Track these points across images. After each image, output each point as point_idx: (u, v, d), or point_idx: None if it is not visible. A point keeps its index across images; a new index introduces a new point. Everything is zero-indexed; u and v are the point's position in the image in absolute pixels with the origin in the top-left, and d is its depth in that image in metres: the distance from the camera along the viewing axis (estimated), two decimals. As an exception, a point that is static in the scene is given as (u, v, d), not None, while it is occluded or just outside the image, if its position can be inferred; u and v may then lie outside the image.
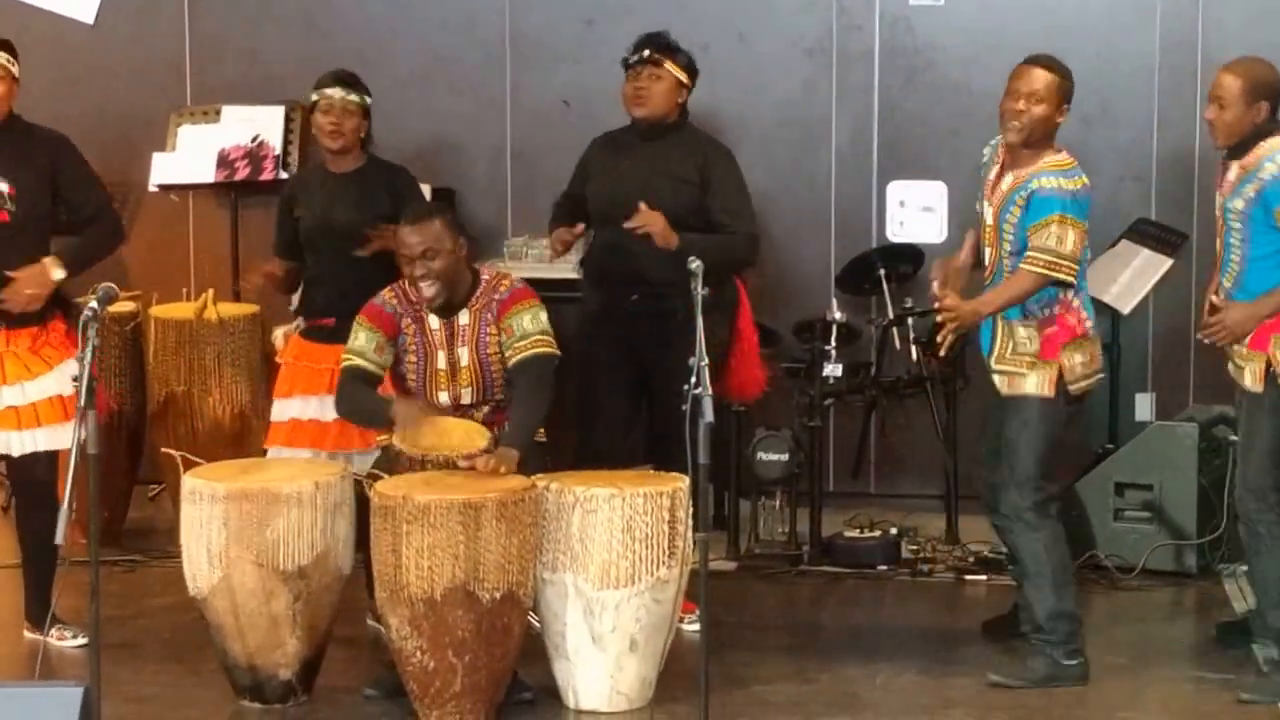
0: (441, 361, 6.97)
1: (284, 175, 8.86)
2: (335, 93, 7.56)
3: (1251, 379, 6.86)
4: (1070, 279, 6.97)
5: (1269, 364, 6.82)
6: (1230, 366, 6.97)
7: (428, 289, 6.87)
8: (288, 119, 9.10)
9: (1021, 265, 6.95)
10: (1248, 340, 6.84)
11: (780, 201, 9.27)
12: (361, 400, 6.92)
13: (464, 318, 6.99)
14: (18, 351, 7.20)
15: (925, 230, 9.08)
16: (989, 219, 7.10)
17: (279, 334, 7.70)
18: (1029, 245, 6.95)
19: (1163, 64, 9.19)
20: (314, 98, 7.58)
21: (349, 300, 7.24)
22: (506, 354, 6.93)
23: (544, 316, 6.98)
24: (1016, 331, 7.07)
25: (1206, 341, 7.03)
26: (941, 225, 9.03)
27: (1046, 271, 6.92)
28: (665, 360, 7.34)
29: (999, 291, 7.01)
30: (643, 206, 7.38)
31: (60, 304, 7.30)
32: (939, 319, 7.02)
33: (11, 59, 7.21)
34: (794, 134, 9.34)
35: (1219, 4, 9.15)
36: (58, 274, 7.18)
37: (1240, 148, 6.88)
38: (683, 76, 7.67)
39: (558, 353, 6.97)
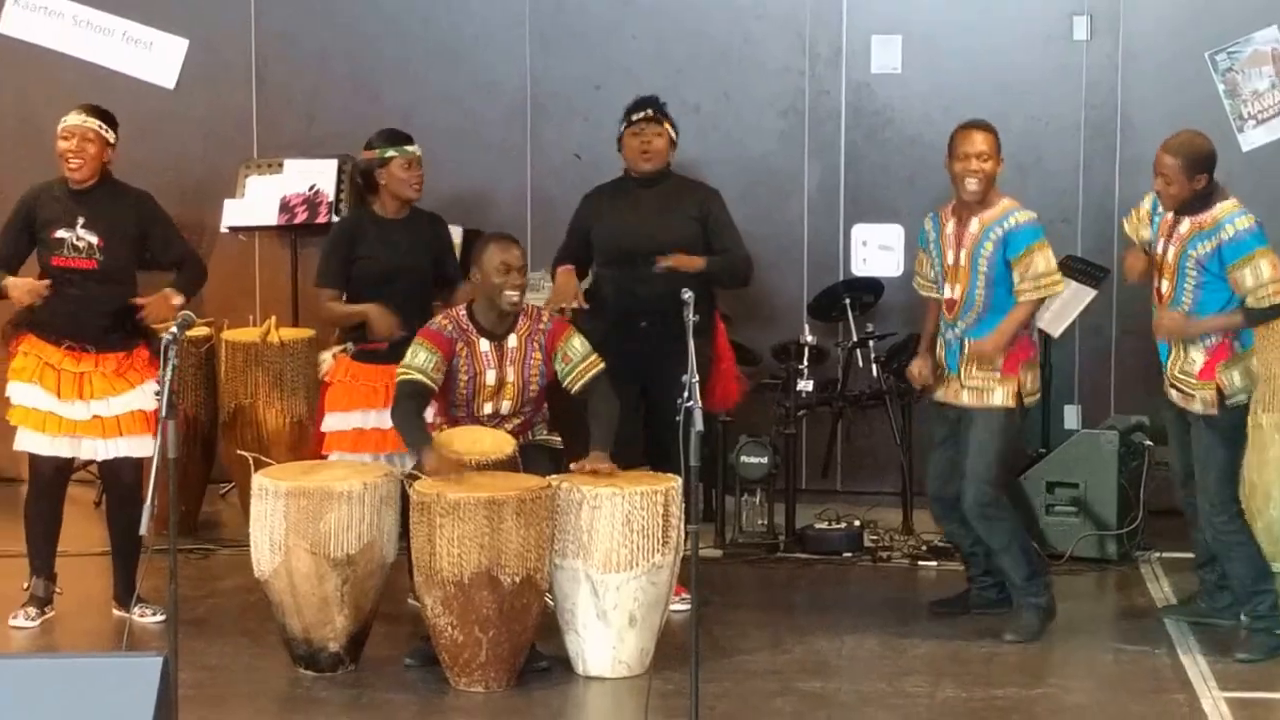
0: (491, 379, 6.98)
1: (335, 219, 8.82)
2: (415, 149, 7.49)
3: (1204, 405, 6.87)
4: (1060, 289, 7.27)
5: (1219, 390, 6.85)
6: (1172, 391, 6.94)
7: (516, 296, 6.94)
8: (340, 171, 9.09)
9: (1019, 299, 7.09)
10: (1197, 371, 6.85)
11: (759, 240, 9.22)
12: (409, 425, 6.85)
13: (512, 341, 7.01)
14: (105, 372, 7.23)
15: (885, 266, 9.09)
16: (961, 260, 7.13)
17: (327, 356, 7.56)
18: (1016, 277, 7.08)
19: (1087, 122, 9.20)
20: (390, 154, 7.42)
21: (405, 329, 7.26)
22: (570, 374, 6.99)
23: (582, 338, 7.07)
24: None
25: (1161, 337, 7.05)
26: (899, 261, 9.03)
27: (1042, 293, 7.15)
28: (665, 378, 7.37)
29: (1003, 328, 7.08)
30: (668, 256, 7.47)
31: (144, 334, 7.33)
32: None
33: (106, 126, 7.23)
34: (772, 182, 9.35)
35: (1135, 72, 9.17)
36: (178, 300, 7.25)
37: (1189, 208, 6.87)
38: (673, 134, 7.70)
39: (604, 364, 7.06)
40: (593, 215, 7.74)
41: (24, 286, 7.14)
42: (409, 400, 6.88)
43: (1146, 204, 7.14)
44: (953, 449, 7.25)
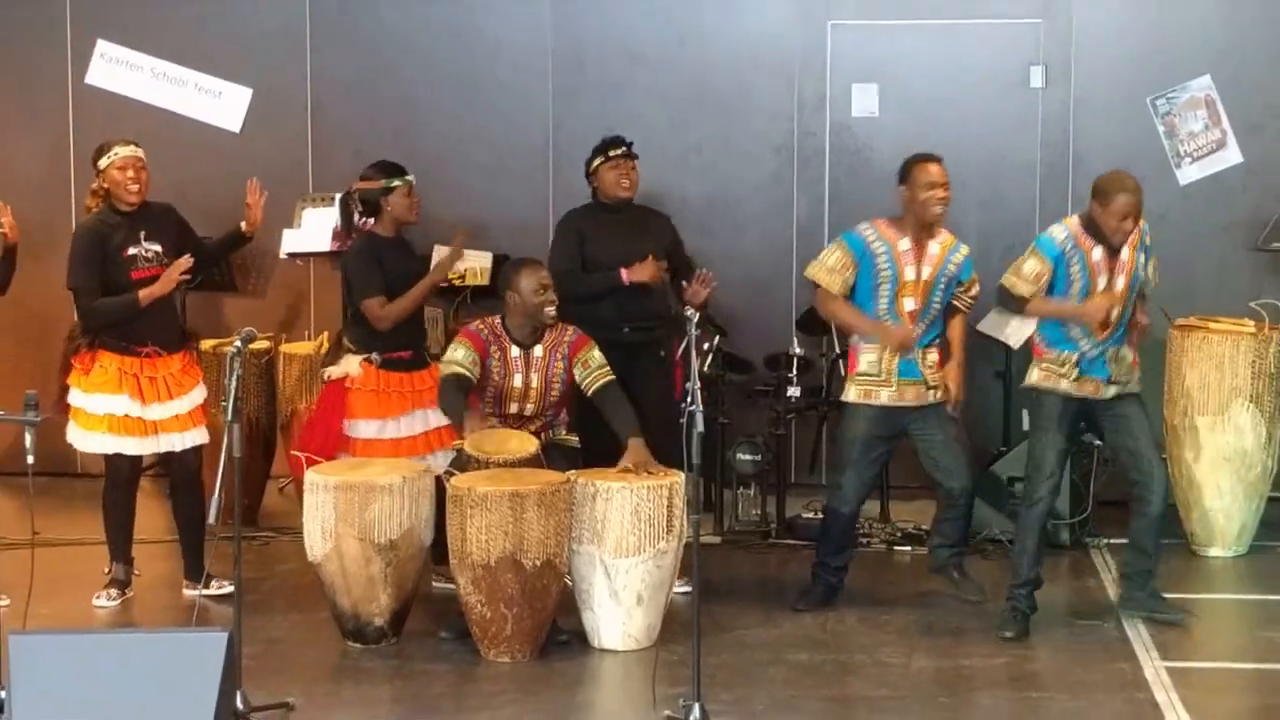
0: (517, 381, 7.01)
1: (342, 249, 8.65)
2: (412, 178, 7.48)
3: (1137, 385, 6.90)
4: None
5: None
6: (1111, 388, 6.84)
7: (554, 310, 7.00)
8: (346, 200, 9.11)
9: (960, 318, 7.24)
10: (1132, 363, 6.88)
11: (754, 263, 9.31)
12: (454, 405, 6.90)
13: (538, 351, 7.03)
14: (173, 372, 7.27)
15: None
16: (924, 276, 7.07)
17: (353, 363, 7.38)
18: (964, 295, 7.19)
19: (1042, 160, 9.21)
20: (395, 183, 7.37)
21: (418, 338, 7.25)
22: (586, 378, 7.00)
23: (600, 352, 7.08)
24: (928, 355, 7.15)
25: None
26: (876, 282, 9.04)
27: (969, 309, 7.27)
28: (648, 383, 7.41)
29: (959, 353, 7.22)
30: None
31: (188, 339, 7.44)
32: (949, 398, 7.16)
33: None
34: (765, 212, 9.37)
35: (1085, 115, 9.19)
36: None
37: None
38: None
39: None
40: (582, 236, 7.73)
41: (172, 276, 7.13)
42: (454, 390, 6.89)
43: (1046, 267, 6.82)
44: (888, 455, 7.27)
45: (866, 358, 7.15)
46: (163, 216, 7.32)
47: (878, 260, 7.09)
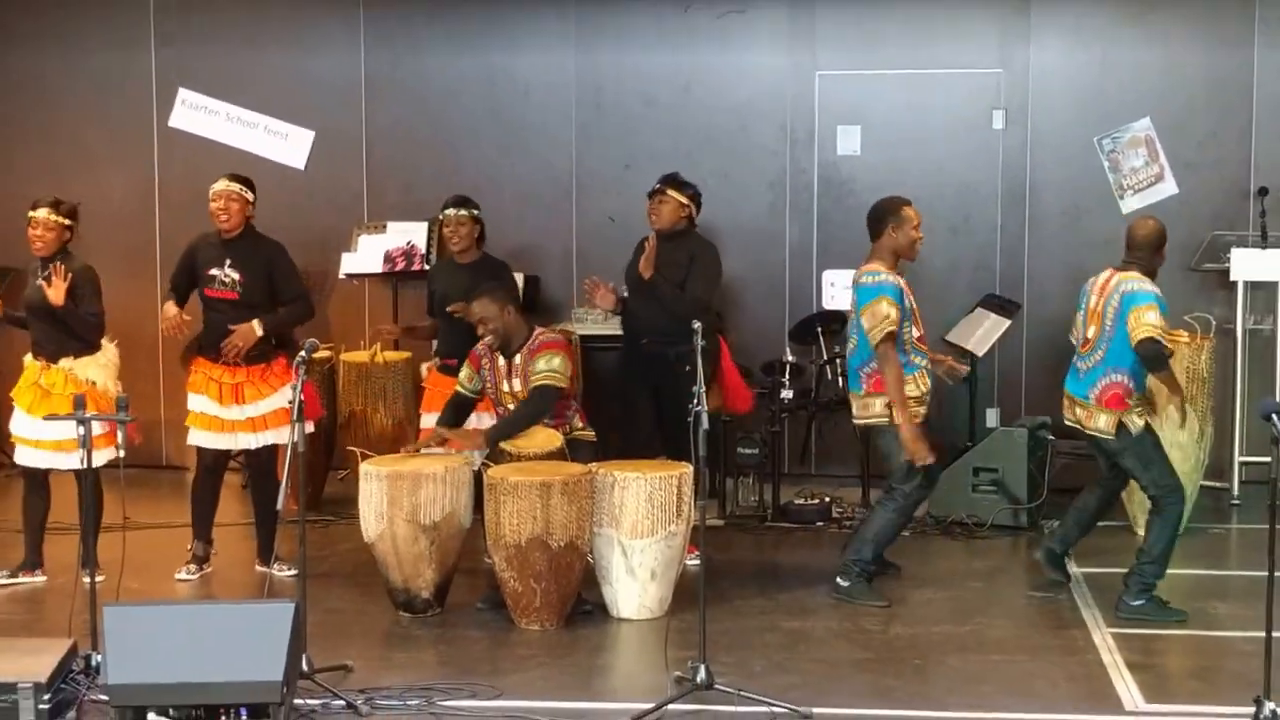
0: (506, 386, 7.04)
1: (428, 268, 8.86)
2: (450, 212, 7.64)
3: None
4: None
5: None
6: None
7: (486, 338, 6.99)
8: (430, 230, 9.17)
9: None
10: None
11: (752, 282, 9.31)
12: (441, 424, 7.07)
13: (518, 359, 7.03)
14: (253, 380, 7.28)
15: (847, 301, 9.02)
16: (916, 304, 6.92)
17: (424, 367, 7.88)
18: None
19: (1003, 190, 9.21)
20: (440, 217, 7.68)
21: (468, 348, 7.30)
22: (529, 383, 6.95)
23: (557, 361, 6.89)
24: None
25: None
26: (859, 299, 9.04)
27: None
28: (671, 387, 7.39)
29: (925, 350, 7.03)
30: (649, 246, 7.43)
31: (284, 346, 7.35)
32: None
33: (245, 188, 7.26)
34: (761, 238, 9.37)
35: (1040, 153, 9.19)
36: (259, 330, 7.18)
37: None
38: (683, 199, 7.59)
39: (555, 385, 6.85)
40: (630, 257, 7.77)
41: (169, 320, 7.21)
42: (449, 406, 7.11)
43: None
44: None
45: (911, 391, 6.81)
46: (258, 251, 7.22)
47: (905, 302, 6.85)
